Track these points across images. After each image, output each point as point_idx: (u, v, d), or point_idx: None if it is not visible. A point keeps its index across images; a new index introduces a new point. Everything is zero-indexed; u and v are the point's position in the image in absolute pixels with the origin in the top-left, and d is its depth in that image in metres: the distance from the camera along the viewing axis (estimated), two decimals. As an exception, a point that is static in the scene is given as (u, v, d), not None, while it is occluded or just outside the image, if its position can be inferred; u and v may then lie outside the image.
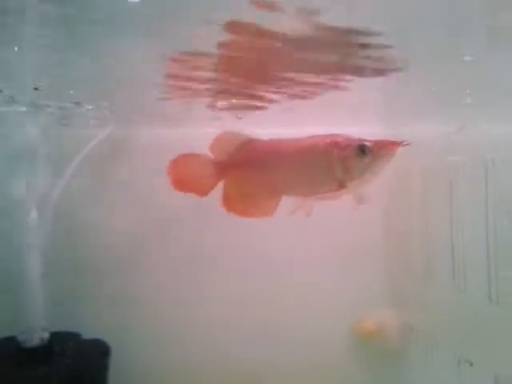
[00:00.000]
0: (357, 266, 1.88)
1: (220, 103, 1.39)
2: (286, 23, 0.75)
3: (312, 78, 1.13)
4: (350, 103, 1.39)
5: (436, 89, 1.24)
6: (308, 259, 1.87)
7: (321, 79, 1.13)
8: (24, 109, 1.37)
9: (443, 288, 1.59)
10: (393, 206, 1.83)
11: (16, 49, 0.89)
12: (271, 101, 1.33)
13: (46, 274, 1.51)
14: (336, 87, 1.19)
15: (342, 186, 1.05)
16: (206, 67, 1.02)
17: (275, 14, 0.70)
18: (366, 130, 1.15)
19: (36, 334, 1.49)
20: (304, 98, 1.29)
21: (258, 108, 1.41)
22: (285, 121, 1.61)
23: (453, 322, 1.57)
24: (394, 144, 1.00)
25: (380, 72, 1.06)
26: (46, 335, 1.50)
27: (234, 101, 1.36)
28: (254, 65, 1.03)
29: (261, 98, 1.30)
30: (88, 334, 1.65)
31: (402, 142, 0.99)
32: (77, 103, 1.34)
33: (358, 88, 1.20)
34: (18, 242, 1.49)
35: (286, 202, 1.14)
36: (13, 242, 1.49)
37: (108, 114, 1.49)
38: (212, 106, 1.42)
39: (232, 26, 0.76)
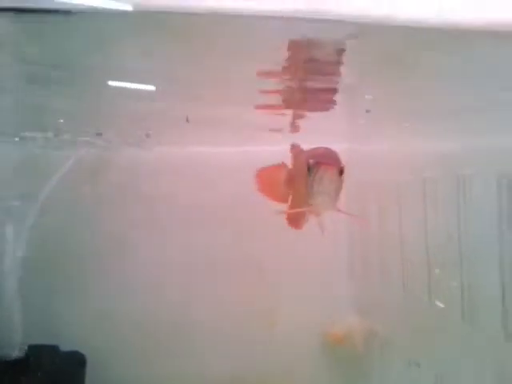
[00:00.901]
0: (325, 278, 1.99)
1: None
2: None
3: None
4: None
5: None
6: (279, 269, 1.96)
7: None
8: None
9: (410, 298, 1.69)
10: (364, 216, 1.93)
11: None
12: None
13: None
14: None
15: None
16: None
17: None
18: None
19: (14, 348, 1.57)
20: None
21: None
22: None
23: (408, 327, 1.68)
24: (329, 164, 1.01)
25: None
26: (24, 349, 1.59)
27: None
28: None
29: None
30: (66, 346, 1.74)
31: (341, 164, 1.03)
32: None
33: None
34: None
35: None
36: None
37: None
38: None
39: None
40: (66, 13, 0.63)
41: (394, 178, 1.74)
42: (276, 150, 1.37)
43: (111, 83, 1.02)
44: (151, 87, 1.04)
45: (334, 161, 1.04)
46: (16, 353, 1.57)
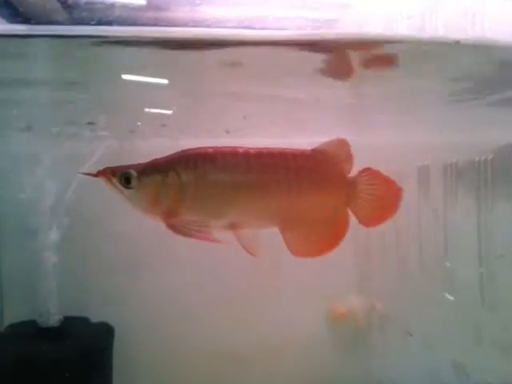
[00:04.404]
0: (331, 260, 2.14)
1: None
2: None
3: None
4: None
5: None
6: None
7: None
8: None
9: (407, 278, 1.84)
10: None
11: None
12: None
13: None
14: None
15: None
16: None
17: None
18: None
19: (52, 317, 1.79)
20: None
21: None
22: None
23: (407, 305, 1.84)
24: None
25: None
26: (60, 318, 1.80)
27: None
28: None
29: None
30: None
31: None
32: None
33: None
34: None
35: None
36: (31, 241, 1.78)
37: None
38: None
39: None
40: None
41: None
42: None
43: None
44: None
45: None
46: (53, 321, 1.77)
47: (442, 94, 1.34)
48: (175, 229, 0.93)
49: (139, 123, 1.65)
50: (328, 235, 1.01)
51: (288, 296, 2.10)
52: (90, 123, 1.51)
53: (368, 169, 1.02)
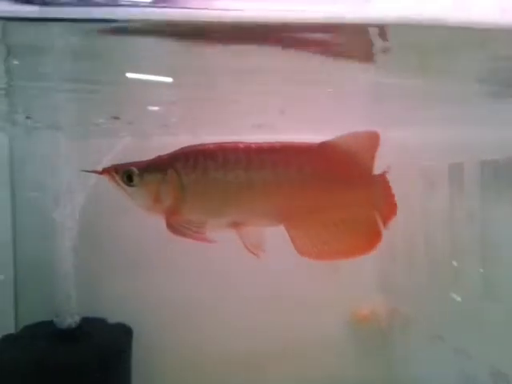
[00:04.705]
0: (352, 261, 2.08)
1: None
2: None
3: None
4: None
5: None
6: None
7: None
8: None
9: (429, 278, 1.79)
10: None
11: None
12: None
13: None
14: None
15: None
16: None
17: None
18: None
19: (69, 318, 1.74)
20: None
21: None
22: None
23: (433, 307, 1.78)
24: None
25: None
26: (78, 318, 1.75)
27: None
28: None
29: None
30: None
31: None
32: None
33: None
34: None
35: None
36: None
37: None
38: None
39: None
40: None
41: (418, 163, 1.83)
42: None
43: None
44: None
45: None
46: (70, 322, 1.72)
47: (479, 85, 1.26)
48: (174, 229, 0.92)
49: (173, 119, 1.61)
50: (348, 237, 0.94)
51: (309, 298, 2.05)
52: (115, 117, 1.46)
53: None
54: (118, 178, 0.92)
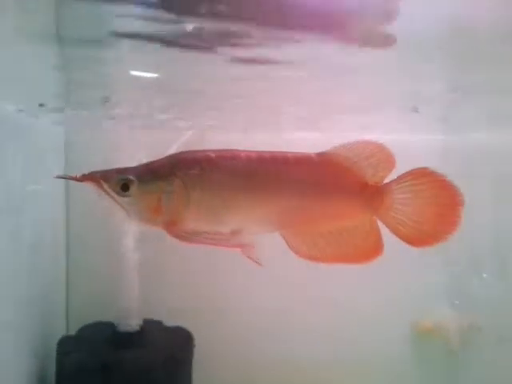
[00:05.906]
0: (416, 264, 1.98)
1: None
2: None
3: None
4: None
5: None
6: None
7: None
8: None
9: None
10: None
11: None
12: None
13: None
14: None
15: None
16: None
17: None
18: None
19: (130, 321, 1.66)
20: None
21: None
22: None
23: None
24: None
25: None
26: (140, 322, 1.68)
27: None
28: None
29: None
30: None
31: None
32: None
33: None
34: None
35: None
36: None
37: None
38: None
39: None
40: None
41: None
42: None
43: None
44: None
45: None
46: (133, 325, 1.65)
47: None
48: (183, 238, 0.85)
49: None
50: (343, 246, 0.91)
51: (368, 308, 1.95)
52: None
53: (412, 172, 0.87)
54: (106, 186, 0.82)
